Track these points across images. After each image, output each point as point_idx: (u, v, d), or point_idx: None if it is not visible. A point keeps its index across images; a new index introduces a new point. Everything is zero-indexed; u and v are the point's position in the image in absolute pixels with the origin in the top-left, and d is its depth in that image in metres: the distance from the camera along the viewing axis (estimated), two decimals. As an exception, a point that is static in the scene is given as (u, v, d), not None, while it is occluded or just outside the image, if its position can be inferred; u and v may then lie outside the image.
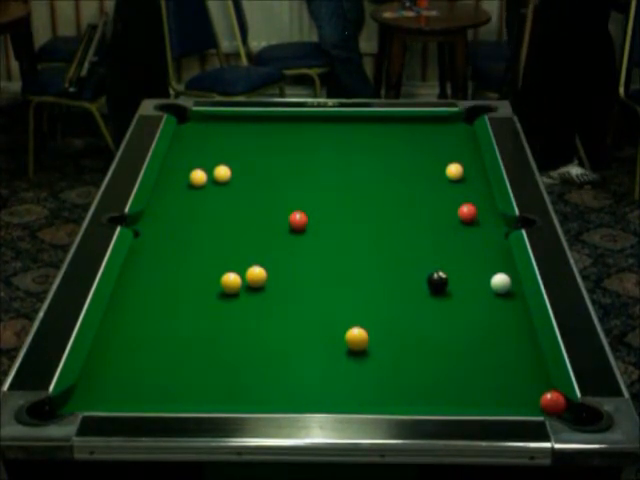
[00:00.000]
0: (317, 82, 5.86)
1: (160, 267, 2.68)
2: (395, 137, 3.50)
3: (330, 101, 3.96)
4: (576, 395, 2.08)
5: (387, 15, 5.74)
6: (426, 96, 6.22)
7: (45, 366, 2.17)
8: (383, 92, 6.01)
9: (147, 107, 3.60)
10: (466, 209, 2.88)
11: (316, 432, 2.00)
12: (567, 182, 5.31)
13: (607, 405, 2.03)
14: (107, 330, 2.37)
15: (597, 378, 2.15)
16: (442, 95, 6.15)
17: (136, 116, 3.54)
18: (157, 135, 3.37)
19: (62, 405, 2.08)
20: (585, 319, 2.35)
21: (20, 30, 5.66)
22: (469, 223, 2.88)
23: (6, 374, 2.16)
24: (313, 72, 5.89)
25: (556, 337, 2.28)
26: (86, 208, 3.47)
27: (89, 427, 1.99)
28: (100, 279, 2.52)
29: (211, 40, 5.84)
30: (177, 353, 2.30)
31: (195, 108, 3.62)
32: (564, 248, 2.67)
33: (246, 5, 6.04)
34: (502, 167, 3.13)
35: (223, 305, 2.48)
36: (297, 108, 3.71)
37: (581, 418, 2.02)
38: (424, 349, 2.32)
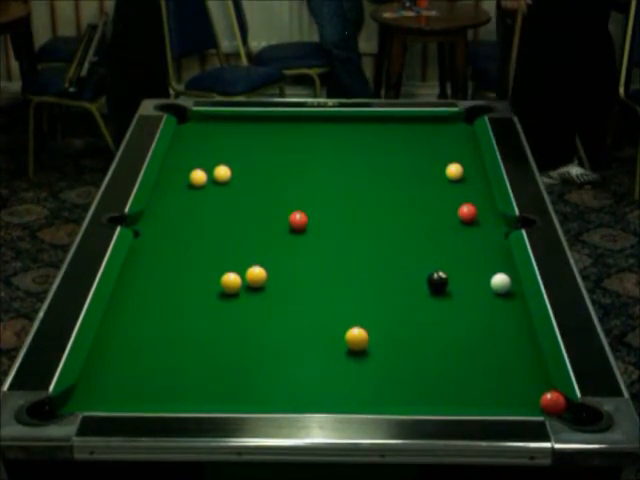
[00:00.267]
0: (317, 82, 5.86)
1: (160, 267, 2.68)
2: (395, 137, 3.50)
3: (330, 101, 3.96)
4: (576, 395, 2.08)
5: (387, 15, 5.74)
6: (426, 96, 6.22)
7: (45, 366, 2.17)
8: (383, 92, 6.01)
9: (147, 107, 3.60)
10: (466, 209, 2.88)
11: (316, 432, 2.00)
12: (567, 182, 5.31)
13: (607, 405, 2.03)
14: (107, 330, 2.37)
15: (597, 378, 2.15)
16: (442, 95, 6.15)
17: (136, 116, 3.54)
18: (157, 135, 3.37)
19: (62, 405, 2.08)
20: (585, 319, 2.35)
21: (20, 30, 5.66)
22: (469, 223, 2.88)
23: (6, 374, 2.16)
24: (313, 72, 5.89)
25: (556, 337, 2.28)
26: (86, 208, 3.47)
27: (89, 427, 1.99)
28: (100, 279, 2.52)
29: (211, 40, 5.84)
30: (177, 353, 2.30)
31: (195, 108, 3.62)
32: (564, 248, 2.67)
33: (246, 5, 6.04)
34: (502, 167, 3.13)
35: (223, 305, 2.48)
36: (297, 108, 3.71)
37: (581, 418, 2.02)
38: (424, 349, 2.32)
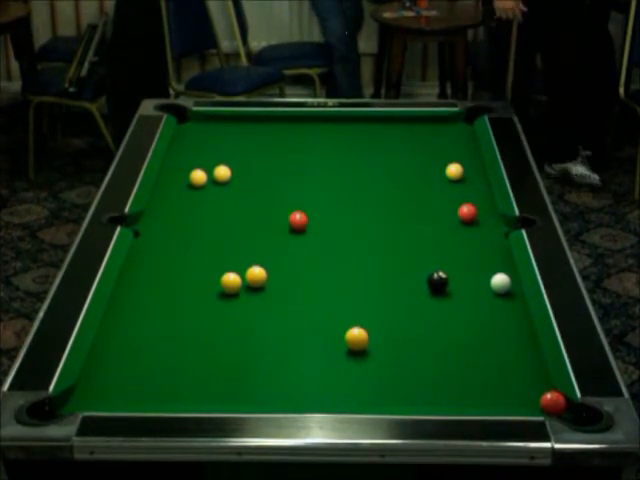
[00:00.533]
0: (317, 82, 5.86)
1: (160, 267, 2.68)
2: (395, 137, 3.50)
3: (330, 101, 3.96)
4: (576, 395, 2.08)
5: (387, 15, 5.74)
6: (426, 96, 6.21)
7: (45, 366, 2.17)
8: (383, 92, 6.01)
9: (147, 107, 3.60)
10: (466, 209, 2.88)
11: (316, 432, 2.00)
12: (566, 179, 5.30)
13: (607, 405, 2.03)
14: (107, 330, 2.37)
15: (597, 378, 2.15)
16: (442, 95, 6.15)
17: (136, 116, 3.54)
18: (157, 135, 3.37)
19: (62, 405, 2.08)
20: (585, 319, 2.35)
21: (20, 30, 5.66)
22: (469, 223, 2.88)
23: (6, 374, 2.16)
24: (313, 72, 5.88)
25: (556, 337, 2.28)
26: (86, 208, 3.47)
27: (89, 427, 1.99)
28: (100, 279, 2.52)
29: (211, 40, 5.83)
30: (177, 353, 2.30)
31: (195, 108, 3.62)
32: (564, 248, 2.67)
33: (246, 5, 6.04)
34: (502, 167, 3.13)
35: (223, 305, 2.48)
36: (297, 108, 3.71)
37: (581, 418, 2.02)
38: (424, 349, 2.32)
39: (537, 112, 5.44)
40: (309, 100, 4.03)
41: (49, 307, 2.40)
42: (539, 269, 2.56)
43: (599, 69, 5.21)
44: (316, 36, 6.18)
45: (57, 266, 4.25)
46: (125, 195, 2.95)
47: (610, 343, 2.30)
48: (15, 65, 5.99)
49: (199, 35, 5.77)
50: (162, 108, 3.58)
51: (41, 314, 2.37)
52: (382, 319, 2.42)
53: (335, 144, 3.45)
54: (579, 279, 2.53)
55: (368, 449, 1.97)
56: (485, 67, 5.55)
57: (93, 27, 5.78)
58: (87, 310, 2.39)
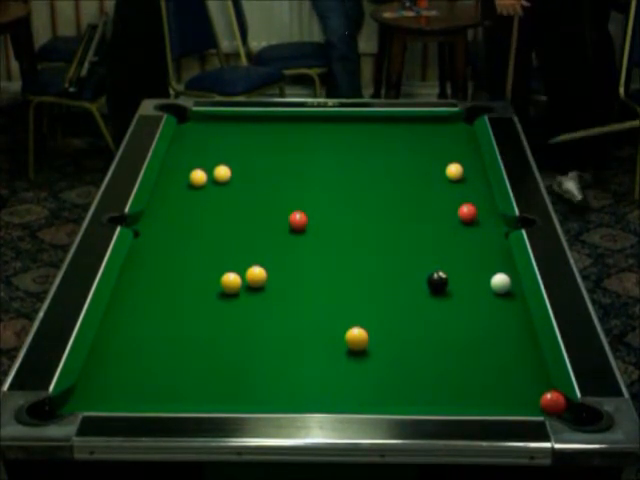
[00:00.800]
0: (317, 82, 5.86)
1: (160, 267, 2.68)
2: (395, 137, 3.50)
3: (330, 101, 3.96)
4: (576, 395, 2.08)
5: (387, 15, 5.74)
6: (426, 96, 6.21)
7: (45, 366, 2.17)
8: (383, 92, 6.01)
9: (147, 107, 3.60)
10: (466, 209, 2.88)
11: (316, 432, 2.00)
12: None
13: (607, 405, 2.03)
14: (107, 330, 2.37)
15: (597, 378, 2.15)
16: (442, 95, 6.15)
17: (136, 116, 3.54)
18: (157, 135, 3.37)
19: (62, 405, 2.08)
20: (585, 319, 2.35)
21: (20, 30, 5.65)
22: (469, 223, 2.88)
23: (6, 374, 2.16)
24: (313, 72, 5.88)
25: (556, 337, 2.28)
26: (86, 208, 3.47)
27: (89, 427, 1.99)
28: (100, 279, 2.52)
29: (211, 40, 5.83)
30: (177, 353, 2.30)
31: (195, 108, 3.62)
32: (564, 248, 2.67)
33: (246, 5, 6.04)
34: (502, 167, 3.13)
35: (223, 305, 2.48)
36: (297, 108, 3.71)
37: (581, 418, 2.02)
38: (424, 349, 2.32)
39: (537, 112, 5.44)
40: (309, 100, 4.03)
41: (49, 307, 2.40)
42: (539, 269, 2.56)
43: (599, 69, 5.21)
44: (316, 36, 6.18)
45: (57, 266, 4.25)
46: (125, 195, 2.95)
47: (610, 343, 2.30)
48: (15, 65, 5.99)
49: (199, 35, 5.77)
50: (162, 108, 3.58)
51: (41, 314, 2.37)
52: (382, 319, 2.42)
53: (335, 144, 3.45)
54: (579, 279, 2.53)
55: (368, 449, 1.97)
56: (482, 67, 5.55)
57: (93, 27, 5.78)
58: (87, 310, 2.39)
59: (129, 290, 2.54)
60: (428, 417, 2.03)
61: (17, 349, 2.45)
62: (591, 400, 2.05)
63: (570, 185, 5.14)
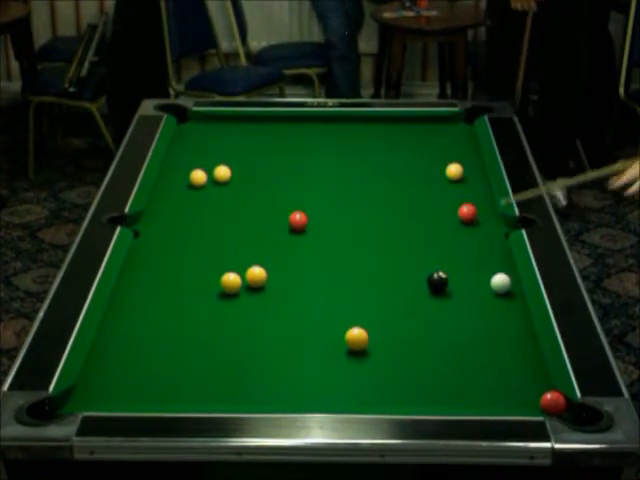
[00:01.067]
0: (316, 82, 5.86)
1: (160, 267, 2.68)
2: (395, 137, 3.50)
3: (330, 101, 3.95)
4: (576, 395, 2.08)
5: (387, 15, 5.74)
6: (426, 96, 6.22)
7: (45, 366, 2.17)
8: (383, 92, 6.01)
9: (147, 107, 3.60)
10: (466, 209, 2.88)
11: (316, 432, 2.00)
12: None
13: (607, 405, 2.03)
14: (107, 330, 2.37)
15: (597, 378, 2.15)
16: (442, 95, 6.15)
17: (136, 116, 3.54)
18: (157, 135, 3.37)
19: (62, 405, 2.08)
20: (585, 319, 2.35)
21: (20, 30, 5.66)
22: (469, 223, 2.88)
23: (6, 374, 2.16)
24: (312, 72, 5.89)
25: (556, 337, 2.28)
26: (86, 208, 3.47)
27: (89, 427, 1.99)
28: (100, 279, 2.52)
29: (211, 40, 5.84)
30: (177, 353, 2.30)
31: (195, 108, 3.62)
32: (564, 248, 2.67)
33: (246, 5, 6.04)
34: (502, 167, 3.13)
35: (223, 305, 2.48)
36: (297, 108, 3.71)
37: (581, 418, 2.02)
38: (424, 349, 2.32)
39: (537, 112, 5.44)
40: (309, 100, 4.03)
41: (49, 307, 2.40)
42: (539, 269, 2.56)
43: (599, 69, 5.21)
44: (316, 36, 6.18)
45: (57, 266, 4.25)
46: (125, 195, 2.95)
47: (610, 343, 2.30)
48: (15, 65, 5.99)
49: (199, 35, 5.77)
50: (162, 108, 3.58)
51: (41, 314, 2.37)
52: (382, 319, 2.42)
53: (335, 144, 3.44)
54: (579, 279, 2.53)
55: (368, 449, 1.97)
56: (483, 67, 5.55)
57: (93, 27, 5.78)
58: (87, 310, 2.39)
59: (129, 290, 2.54)
60: (428, 417, 2.03)
61: (17, 349, 2.45)
62: (591, 400, 2.05)
63: (556, 191, 5.14)
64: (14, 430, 1.97)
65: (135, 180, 3.05)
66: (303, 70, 5.91)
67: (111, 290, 2.52)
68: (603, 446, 1.94)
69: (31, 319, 3.97)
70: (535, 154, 3.27)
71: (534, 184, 3.03)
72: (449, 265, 2.59)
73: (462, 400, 2.14)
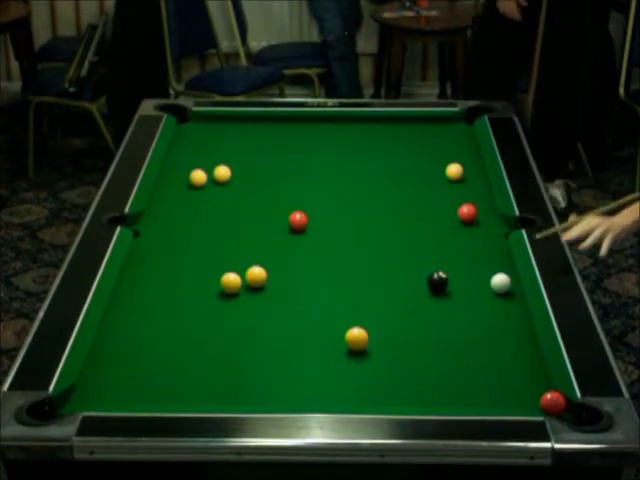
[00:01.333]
0: (316, 82, 5.87)
1: (160, 267, 2.68)
2: (395, 137, 3.50)
3: (330, 101, 3.95)
4: (576, 395, 2.08)
5: (387, 15, 5.74)
6: (426, 96, 6.21)
7: (45, 366, 2.17)
8: (383, 92, 6.01)
9: (147, 107, 3.60)
10: (466, 209, 2.88)
11: (316, 432, 2.00)
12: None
13: (607, 405, 2.03)
14: (107, 330, 2.37)
15: (597, 378, 2.15)
16: (442, 95, 6.15)
17: (136, 116, 3.54)
18: (157, 135, 3.37)
19: (62, 405, 2.08)
20: (585, 319, 2.35)
21: (20, 30, 5.66)
22: (469, 223, 2.88)
23: (6, 374, 2.16)
24: (312, 72, 5.89)
25: (556, 337, 2.28)
26: (86, 208, 3.47)
27: (89, 427, 1.99)
28: (100, 279, 2.52)
29: (211, 40, 5.84)
30: (177, 353, 2.30)
31: (195, 108, 3.62)
32: (564, 248, 2.67)
33: (246, 5, 6.04)
34: (502, 167, 3.13)
35: (223, 305, 2.48)
36: (297, 108, 3.71)
37: (581, 418, 2.02)
38: (424, 349, 2.32)
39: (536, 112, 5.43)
40: (309, 100, 4.04)
41: (49, 307, 2.40)
42: (539, 269, 2.56)
43: (599, 69, 5.21)
44: (315, 36, 6.18)
45: (57, 266, 4.25)
46: (125, 195, 2.95)
47: (610, 343, 2.30)
48: (15, 65, 5.99)
49: (199, 35, 5.77)
50: (162, 108, 3.58)
51: (41, 314, 2.37)
52: (382, 319, 2.42)
53: (335, 144, 3.45)
54: (579, 279, 2.53)
55: (368, 449, 1.97)
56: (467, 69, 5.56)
57: (93, 27, 5.78)
58: (87, 310, 2.39)
59: (129, 290, 2.54)
60: (428, 417, 2.03)
61: (17, 349, 2.45)
62: (591, 400, 2.05)
63: (555, 192, 5.14)
64: (14, 430, 1.97)
65: (135, 180, 3.05)
66: (303, 70, 5.91)
67: (111, 290, 2.52)
68: (603, 446, 1.94)
69: (31, 319, 3.97)
70: (535, 154, 3.27)
71: (534, 184, 3.04)
72: (449, 265, 2.59)
73: (462, 400, 2.14)
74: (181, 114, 3.58)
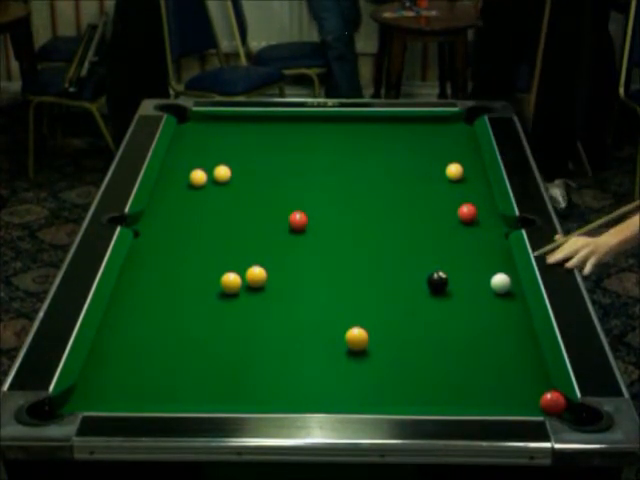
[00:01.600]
0: (316, 82, 5.87)
1: (160, 267, 2.68)
2: (395, 137, 3.50)
3: (330, 101, 3.95)
4: (576, 395, 2.08)
5: (387, 15, 5.74)
6: (426, 96, 6.22)
7: (45, 366, 2.17)
8: (383, 92, 6.01)
9: (147, 107, 3.60)
10: (466, 209, 2.88)
11: (316, 432, 2.00)
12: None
13: (607, 405, 2.03)
14: (107, 330, 2.37)
15: (597, 378, 2.15)
16: (442, 95, 6.15)
17: (136, 116, 3.54)
18: (157, 135, 3.37)
19: (62, 405, 2.08)
20: (585, 319, 2.35)
21: (20, 30, 5.66)
22: (469, 223, 2.88)
23: (6, 374, 2.16)
24: (312, 72, 5.89)
25: (556, 337, 2.28)
26: (86, 208, 3.47)
27: (89, 427, 1.99)
28: (100, 279, 2.52)
29: (211, 40, 5.84)
30: (177, 353, 2.30)
31: (195, 108, 3.62)
32: (564, 248, 2.67)
33: (246, 5, 6.04)
34: (502, 167, 3.13)
35: (223, 305, 2.48)
36: (297, 108, 3.71)
37: (581, 418, 2.02)
38: (424, 349, 2.32)
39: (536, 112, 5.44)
40: (309, 100, 4.04)
41: (49, 307, 2.40)
42: (539, 269, 2.56)
43: (599, 69, 5.21)
44: (315, 36, 6.18)
45: (57, 266, 4.25)
46: (125, 195, 2.95)
47: (610, 343, 2.30)
48: (15, 65, 5.99)
49: (199, 35, 5.77)
50: (162, 108, 3.58)
51: (41, 314, 2.37)
52: (382, 319, 2.42)
53: (335, 144, 3.45)
54: (579, 279, 2.53)
55: (368, 449, 1.97)
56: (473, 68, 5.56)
57: (93, 27, 5.78)
58: (87, 310, 2.39)
59: (129, 290, 2.54)
60: (428, 417, 2.03)
61: (17, 349, 2.45)
62: (591, 400, 2.05)
63: (555, 192, 5.14)
64: (14, 430, 1.97)
65: (135, 180, 3.05)
66: (303, 70, 5.92)
67: (111, 290, 2.52)
68: (603, 446, 1.94)
69: (31, 319, 3.97)
70: (535, 154, 3.27)
71: (534, 184, 3.04)
72: (449, 265, 2.59)
73: (462, 400, 2.14)
74: (181, 114, 3.58)
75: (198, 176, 3.11)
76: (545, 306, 2.40)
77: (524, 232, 2.74)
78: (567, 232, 2.75)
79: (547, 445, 1.93)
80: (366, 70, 6.24)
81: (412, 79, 6.35)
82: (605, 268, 4.53)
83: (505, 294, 2.51)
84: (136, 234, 2.80)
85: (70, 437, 1.95)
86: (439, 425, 2.02)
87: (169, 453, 1.97)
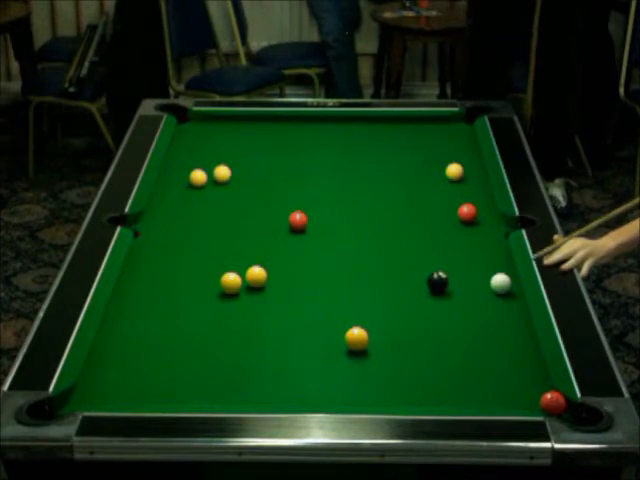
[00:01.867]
0: (316, 82, 5.86)
1: (160, 267, 2.68)
2: (395, 137, 3.50)
3: (330, 101, 3.96)
4: (576, 395, 2.08)
5: (387, 15, 5.74)
6: (426, 96, 6.22)
7: (45, 366, 2.17)
8: (383, 92, 6.01)
9: (147, 107, 3.60)
10: (466, 209, 2.88)
11: (316, 432, 2.00)
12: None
13: (607, 405, 2.03)
14: (107, 330, 2.37)
15: (597, 378, 2.15)
16: (442, 95, 6.15)
17: (136, 116, 3.54)
18: (157, 135, 3.37)
19: (62, 405, 2.08)
20: (585, 319, 2.35)
21: (20, 30, 5.66)
22: (469, 223, 2.88)
23: (6, 374, 2.16)
24: (312, 72, 5.89)
25: (556, 337, 2.28)
26: (86, 208, 3.47)
27: (89, 427, 1.99)
28: (100, 279, 2.52)
29: (211, 40, 5.84)
30: (177, 353, 2.30)
31: (195, 108, 3.62)
32: (564, 248, 2.66)
33: (246, 5, 6.04)
34: (502, 167, 3.13)
35: (223, 305, 2.48)
36: (297, 108, 3.71)
37: (581, 418, 2.02)
38: (424, 349, 2.32)
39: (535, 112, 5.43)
40: (309, 100, 4.03)
41: (49, 307, 2.40)
42: (539, 269, 2.56)
43: (599, 69, 5.21)
44: (315, 36, 6.18)
45: (57, 266, 4.25)
46: (125, 195, 2.95)
47: (610, 343, 2.30)
48: (15, 65, 5.99)
49: (199, 35, 5.77)
50: (162, 108, 3.58)
51: (41, 314, 2.37)
52: (382, 319, 2.42)
53: (335, 144, 3.45)
54: (579, 279, 2.53)
55: (368, 449, 1.97)
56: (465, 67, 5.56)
57: (93, 27, 5.78)
58: (87, 310, 2.39)
59: (129, 290, 2.54)
60: (428, 417, 2.03)
61: (17, 349, 2.45)
62: (591, 400, 2.05)
63: (555, 192, 5.14)
64: (14, 430, 1.97)
65: (135, 180, 3.05)
66: (303, 70, 5.91)
67: (111, 290, 2.52)
68: (603, 446, 1.94)
69: (31, 319, 3.97)
70: (534, 154, 3.27)
71: (534, 184, 3.04)
72: (449, 265, 2.59)
73: (462, 400, 2.14)
74: (181, 114, 3.58)
75: (198, 176, 3.11)
76: (545, 306, 2.40)
77: (524, 232, 2.74)
78: (567, 232, 2.75)
79: (547, 445, 1.93)
80: (366, 70, 6.23)
81: (412, 79, 6.35)
82: (605, 268, 4.53)
83: (505, 294, 2.51)
84: (136, 234, 2.80)
85: (70, 437, 1.95)
86: (439, 425, 2.02)
87: (169, 453, 1.97)
